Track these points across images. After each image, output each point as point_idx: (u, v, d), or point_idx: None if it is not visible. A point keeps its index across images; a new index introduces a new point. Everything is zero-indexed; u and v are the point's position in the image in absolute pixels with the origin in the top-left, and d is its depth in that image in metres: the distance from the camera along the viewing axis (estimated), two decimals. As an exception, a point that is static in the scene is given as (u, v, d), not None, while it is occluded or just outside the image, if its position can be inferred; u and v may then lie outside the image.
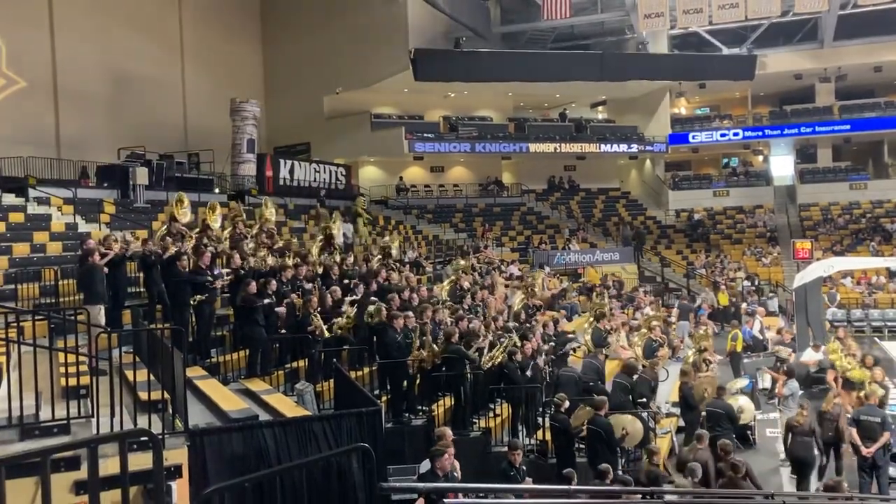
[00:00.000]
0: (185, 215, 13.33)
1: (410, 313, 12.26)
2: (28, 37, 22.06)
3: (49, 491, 3.74)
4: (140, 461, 5.15)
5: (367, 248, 19.51)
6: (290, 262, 13.89)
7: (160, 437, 6.09)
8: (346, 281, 14.17)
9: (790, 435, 10.63)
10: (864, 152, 36.36)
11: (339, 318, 12.21)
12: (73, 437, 6.03)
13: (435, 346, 11.52)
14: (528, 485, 8.33)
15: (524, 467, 8.88)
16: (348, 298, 13.00)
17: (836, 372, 14.60)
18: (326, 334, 11.74)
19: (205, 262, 11.60)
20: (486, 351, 11.84)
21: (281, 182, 25.26)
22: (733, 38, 31.70)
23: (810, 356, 15.90)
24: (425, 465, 8.16)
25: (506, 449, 9.38)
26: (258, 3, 32.97)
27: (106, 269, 10.21)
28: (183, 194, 14.00)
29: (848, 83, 33.93)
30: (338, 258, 15.60)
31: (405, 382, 11.27)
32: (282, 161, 26.05)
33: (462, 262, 19.89)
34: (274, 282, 11.70)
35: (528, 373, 11.70)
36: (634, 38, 31.22)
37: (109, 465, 4.99)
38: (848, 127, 33.46)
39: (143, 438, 5.43)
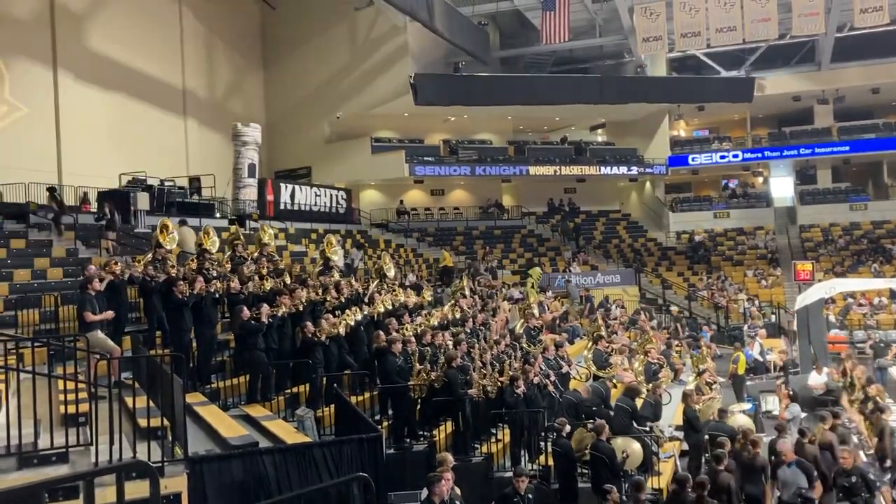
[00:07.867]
0: (170, 242, 13.27)
1: (412, 337, 12.24)
2: (30, 63, 22.16)
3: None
4: (140, 489, 5.12)
5: (369, 271, 19.46)
6: (288, 281, 13.81)
7: (159, 464, 6.07)
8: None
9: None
10: (863, 173, 36.49)
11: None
12: (72, 466, 5.99)
13: (433, 371, 11.49)
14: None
15: (530, 495, 8.77)
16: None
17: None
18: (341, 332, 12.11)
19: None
20: (476, 381, 11.59)
21: (282, 206, 25.35)
22: (731, 60, 31.91)
23: (815, 380, 15.79)
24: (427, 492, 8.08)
25: (508, 474, 9.28)
26: (259, 28, 33.22)
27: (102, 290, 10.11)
28: (167, 220, 13.88)
29: (846, 104, 34.09)
30: (337, 276, 15.57)
31: (406, 408, 11.21)
32: (283, 185, 26.18)
33: (461, 282, 19.77)
34: (266, 306, 11.49)
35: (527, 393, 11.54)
36: (633, 62, 31.43)
37: (108, 494, 4.97)
38: (847, 148, 33.63)
39: (141, 467, 5.41)
